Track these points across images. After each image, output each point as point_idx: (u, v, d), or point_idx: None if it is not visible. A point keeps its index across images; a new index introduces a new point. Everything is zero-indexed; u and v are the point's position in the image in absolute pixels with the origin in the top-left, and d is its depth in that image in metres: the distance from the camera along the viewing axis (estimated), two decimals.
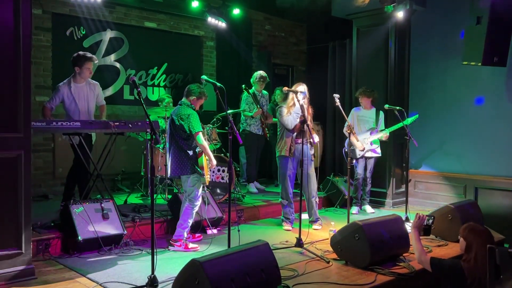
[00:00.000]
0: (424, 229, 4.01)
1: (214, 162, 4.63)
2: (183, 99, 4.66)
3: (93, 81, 5.37)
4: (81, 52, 5.17)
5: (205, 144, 4.57)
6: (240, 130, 6.95)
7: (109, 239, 4.49)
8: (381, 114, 6.49)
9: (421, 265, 3.83)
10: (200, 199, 4.71)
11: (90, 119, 5.17)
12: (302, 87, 5.25)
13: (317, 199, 5.60)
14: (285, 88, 5.16)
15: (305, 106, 5.17)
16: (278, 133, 5.53)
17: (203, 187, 4.93)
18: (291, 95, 5.30)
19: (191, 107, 4.59)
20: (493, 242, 3.43)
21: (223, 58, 8.54)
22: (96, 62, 5.35)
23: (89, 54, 5.18)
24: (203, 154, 4.57)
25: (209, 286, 2.87)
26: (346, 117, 5.48)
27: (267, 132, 6.95)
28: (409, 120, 6.06)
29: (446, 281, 3.62)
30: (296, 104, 5.20)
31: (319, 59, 9.11)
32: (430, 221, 4.05)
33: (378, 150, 6.48)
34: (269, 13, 9.11)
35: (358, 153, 6.36)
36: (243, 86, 6.71)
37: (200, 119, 4.65)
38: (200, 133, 4.50)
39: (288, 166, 5.39)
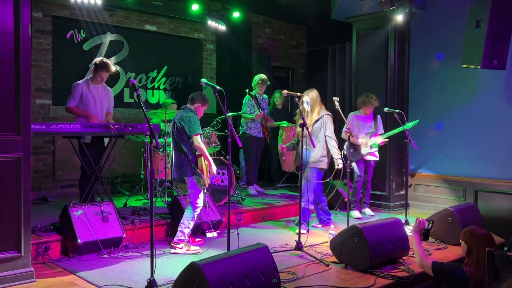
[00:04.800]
0: (423, 234, 4.00)
1: (214, 169, 4.68)
2: (187, 105, 4.74)
3: (108, 87, 5.44)
4: (105, 59, 5.21)
5: (202, 146, 4.59)
6: (240, 133, 6.94)
7: (108, 242, 4.49)
8: (379, 118, 6.48)
9: (423, 269, 3.82)
10: (201, 201, 4.72)
11: (102, 120, 5.23)
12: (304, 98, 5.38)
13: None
14: (285, 91, 5.17)
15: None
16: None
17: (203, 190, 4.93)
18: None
19: (193, 111, 4.67)
20: (494, 245, 3.42)
21: (223, 61, 8.55)
22: (112, 71, 5.30)
23: (109, 65, 5.18)
24: (202, 157, 4.60)
25: None
26: (345, 120, 5.49)
27: (268, 135, 6.94)
28: (409, 125, 6.04)
29: (448, 285, 3.61)
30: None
31: (319, 62, 9.12)
32: (430, 225, 4.05)
33: (377, 153, 6.48)
34: (269, 16, 9.13)
35: (358, 155, 6.36)
36: (247, 90, 6.68)
37: (200, 122, 4.69)
38: (198, 136, 4.56)
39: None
